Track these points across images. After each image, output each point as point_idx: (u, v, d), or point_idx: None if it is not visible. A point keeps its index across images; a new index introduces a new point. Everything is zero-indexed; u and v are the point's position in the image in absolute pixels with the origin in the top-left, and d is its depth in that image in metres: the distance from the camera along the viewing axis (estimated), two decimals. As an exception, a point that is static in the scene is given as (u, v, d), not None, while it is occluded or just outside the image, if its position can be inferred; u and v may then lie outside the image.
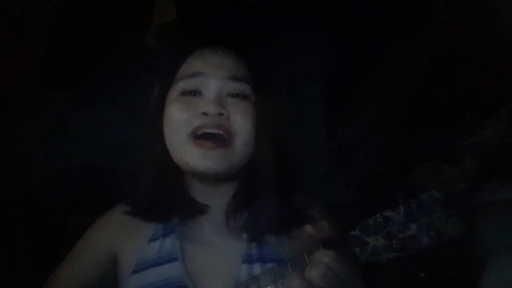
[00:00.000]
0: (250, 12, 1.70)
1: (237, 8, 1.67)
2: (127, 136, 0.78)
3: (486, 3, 1.38)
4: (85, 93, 1.66)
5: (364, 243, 0.52)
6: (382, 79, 1.73)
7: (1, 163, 1.44)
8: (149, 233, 0.72)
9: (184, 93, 0.70)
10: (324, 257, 0.51)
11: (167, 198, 0.72)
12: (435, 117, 1.54)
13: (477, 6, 1.42)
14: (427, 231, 0.50)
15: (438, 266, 1.21)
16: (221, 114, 0.67)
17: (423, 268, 1.24)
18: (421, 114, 1.58)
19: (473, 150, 1.38)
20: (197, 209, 0.72)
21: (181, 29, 1.60)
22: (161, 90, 0.74)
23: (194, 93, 0.70)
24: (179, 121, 0.68)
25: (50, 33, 1.56)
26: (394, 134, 1.64)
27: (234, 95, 0.70)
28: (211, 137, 0.67)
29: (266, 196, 0.70)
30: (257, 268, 0.67)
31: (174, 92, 0.71)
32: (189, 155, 0.67)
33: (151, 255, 0.69)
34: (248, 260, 0.68)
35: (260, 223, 0.69)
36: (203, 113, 0.67)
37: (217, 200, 0.73)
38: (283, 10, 1.79)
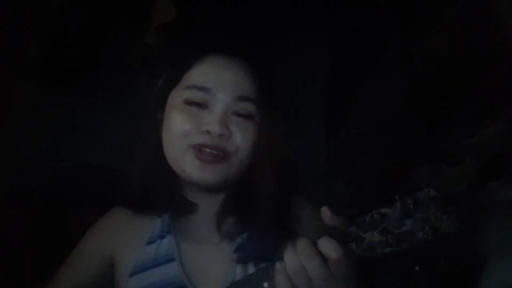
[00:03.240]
0: (250, 12, 1.70)
1: (237, 8, 1.68)
2: (127, 136, 0.78)
3: (486, 4, 1.38)
4: (85, 93, 1.67)
5: (360, 239, 0.53)
6: (382, 79, 1.73)
7: (1, 162, 1.44)
8: (146, 236, 0.73)
9: (190, 103, 0.69)
10: (333, 252, 0.52)
11: (157, 191, 0.72)
12: (435, 117, 1.54)
13: (477, 6, 1.42)
14: (422, 227, 0.51)
15: (433, 261, 1.22)
16: (222, 135, 0.67)
17: (418, 262, 1.25)
18: (421, 114, 1.58)
19: (473, 150, 1.38)
20: (186, 207, 0.73)
21: (181, 29, 1.60)
22: (166, 86, 0.73)
23: (200, 105, 0.69)
24: (180, 132, 0.68)
25: (50, 33, 1.56)
26: (394, 134, 1.64)
27: (239, 115, 0.69)
28: (210, 153, 0.67)
29: (256, 208, 0.70)
30: (251, 268, 0.68)
31: (179, 96, 0.70)
32: (186, 164, 0.68)
33: (148, 257, 0.70)
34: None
35: (252, 248, 0.69)
36: (206, 131, 0.67)
37: (209, 203, 0.73)
38: (283, 10, 1.79)
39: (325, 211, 0.56)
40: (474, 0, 1.45)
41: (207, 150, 0.67)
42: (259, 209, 0.70)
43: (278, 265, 0.54)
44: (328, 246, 0.53)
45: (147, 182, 0.72)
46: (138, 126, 0.76)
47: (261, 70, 0.74)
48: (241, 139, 0.68)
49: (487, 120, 1.37)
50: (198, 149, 0.67)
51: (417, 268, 1.25)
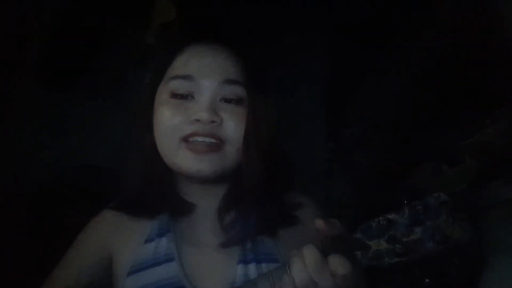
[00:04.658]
0: (250, 12, 1.70)
1: (237, 8, 1.68)
2: (127, 136, 0.77)
3: (486, 4, 1.38)
4: (85, 93, 1.67)
5: (366, 246, 0.50)
6: (382, 79, 1.73)
7: (1, 163, 1.44)
8: (145, 234, 0.71)
9: (176, 95, 0.68)
10: (341, 267, 0.50)
11: (154, 194, 0.71)
12: (435, 117, 1.54)
13: (477, 6, 1.42)
14: (432, 235, 0.48)
15: (443, 272, 1.17)
16: (213, 122, 0.66)
17: (428, 274, 1.20)
18: (421, 114, 1.58)
19: (473, 150, 1.38)
20: (184, 207, 0.72)
21: (181, 29, 1.60)
22: (152, 84, 0.72)
23: (186, 96, 0.68)
24: (170, 126, 0.67)
25: (50, 32, 1.56)
26: (394, 134, 1.64)
27: (228, 100, 0.68)
28: (203, 143, 0.66)
29: (256, 197, 0.69)
30: (252, 268, 0.67)
31: (165, 91, 0.69)
32: (181, 159, 0.67)
33: (147, 255, 0.69)
34: (244, 260, 0.68)
35: (248, 224, 0.68)
36: (195, 119, 0.66)
37: (208, 200, 0.72)
38: (283, 10, 1.79)
39: (319, 223, 0.53)
40: (474, 0, 1.45)
41: (199, 139, 0.66)
42: (254, 197, 0.68)
43: (286, 278, 0.52)
44: (336, 262, 0.50)
45: (142, 185, 0.71)
46: (131, 128, 0.75)
47: (245, 53, 0.72)
48: (233, 126, 0.67)
49: (487, 120, 1.37)
50: (190, 140, 0.66)
51: (427, 280, 1.19)
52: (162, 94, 0.70)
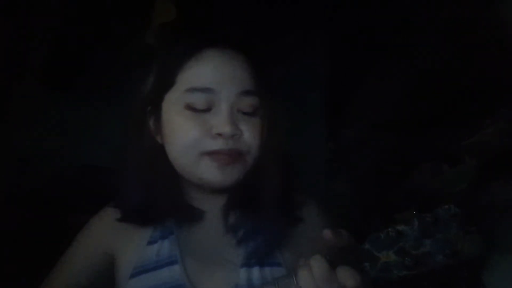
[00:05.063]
0: (250, 12, 1.70)
1: (237, 9, 1.68)
2: (128, 138, 0.76)
3: (486, 3, 1.38)
4: (85, 93, 1.67)
5: (374, 258, 0.49)
6: (382, 79, 1.73)
7: (1, 163, 1.44)
8: (147, 235, 0.70)
9: (193, 108, 0.65)
10: (350, 280, 0.49)
11: (160, 202, 0.69)
12: (435, 117, 1.54)
13: (477, 6, 1.42)
14: (442, 248, 0.47)
15: (452, 285, 1.16)
16: (235, 135, 0.64)
17: (436, 286, 1.19)
18: (421, 114, 1.58)
19: (473, 150, 1.38)
20: (193, 215, 0.71)
21: (181, 29, 1.60)
22: (157, 89, 0.69)
23: (204, 109, 0.65)
24: (189, 140, 0.64)
25: (51, 33, 1.56)
26: (394, 134, 1.64)
27: (245, 111, 0.66)
28: (226, 155, 0.65)
29: (272, 203, 0.68)
30: (255, 272, 0.66)
31: (178, 101, 0.66)
32: (204, 170, 0.65)
33: (149, 258, 0.68)
34: (247, 264, 0.67)
35: (266, 234, 0.68)
36: (217, 133, 0.64)
37: (213, 204, 0.71)
38: (283, 10, 1.79)
39: (327, 234, 0.51)
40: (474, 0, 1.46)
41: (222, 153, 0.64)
42: (264, 201, 0.68)
43: None
44: (345, 273, 0.49)
45: (149, 195, 0.69)
46: (132, 132, 0.72)
47: (258, 60, 0.71)
48: (251, 138, 0.66)
49: (487, 120, 1.37)
50: (213, 153, 0.64)
51: (435, 294, 1.17)
52: (174, 103, 0.67)
